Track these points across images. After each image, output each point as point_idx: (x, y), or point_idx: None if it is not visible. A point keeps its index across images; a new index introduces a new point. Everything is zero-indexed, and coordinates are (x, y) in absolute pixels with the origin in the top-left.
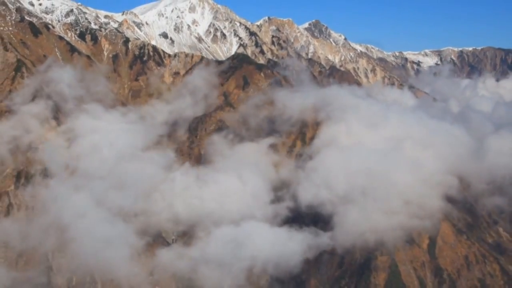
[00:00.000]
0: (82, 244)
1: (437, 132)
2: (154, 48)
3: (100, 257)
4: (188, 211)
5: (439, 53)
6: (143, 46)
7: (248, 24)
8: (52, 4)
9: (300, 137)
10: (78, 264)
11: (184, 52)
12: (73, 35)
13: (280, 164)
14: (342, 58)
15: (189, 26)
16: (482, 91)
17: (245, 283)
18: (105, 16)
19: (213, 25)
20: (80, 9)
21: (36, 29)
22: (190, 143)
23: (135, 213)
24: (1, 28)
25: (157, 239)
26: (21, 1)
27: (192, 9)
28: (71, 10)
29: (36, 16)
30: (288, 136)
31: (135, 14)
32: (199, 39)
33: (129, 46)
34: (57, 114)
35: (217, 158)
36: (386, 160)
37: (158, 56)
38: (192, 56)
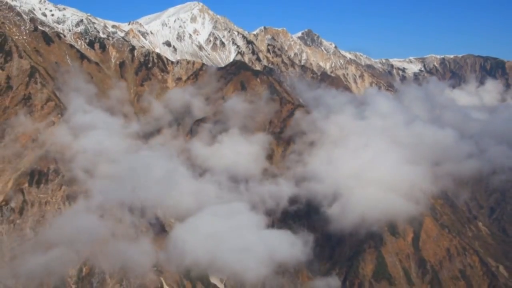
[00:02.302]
0: (89, 238)
1: (421, 133)
2: (158, 56)
3: (107, 249)
4: (188, 204)
5: (422, 60)
6: (148, 54)
7: (245, 33)
8: (64, 15)
9: (293, 136)
10: (88, 256)
11: (186, 59)
12: (82, 43)
13: (273, 161)
14: (333, 65)
15: (190, 35)
16: (463, 95)
17: (241, 276)
18: (113, 26)
19: (213, 34)
20: (89, 19)
21: (49, 37)
22: (191, 142)
23: (138, 207)
24: (16, 37)
25: (160, 232)
26: (35, 12)
27: (193, 19)
28: (81, 20)
29: (49, 26)
30: (280, 133)
31: (140, 24)
32: (200, 47)
33: (135, 54)
34: (68, 115)
35: (217, 157)
36: (373, 158)
37: (162, 63)
38: (194, 63)
